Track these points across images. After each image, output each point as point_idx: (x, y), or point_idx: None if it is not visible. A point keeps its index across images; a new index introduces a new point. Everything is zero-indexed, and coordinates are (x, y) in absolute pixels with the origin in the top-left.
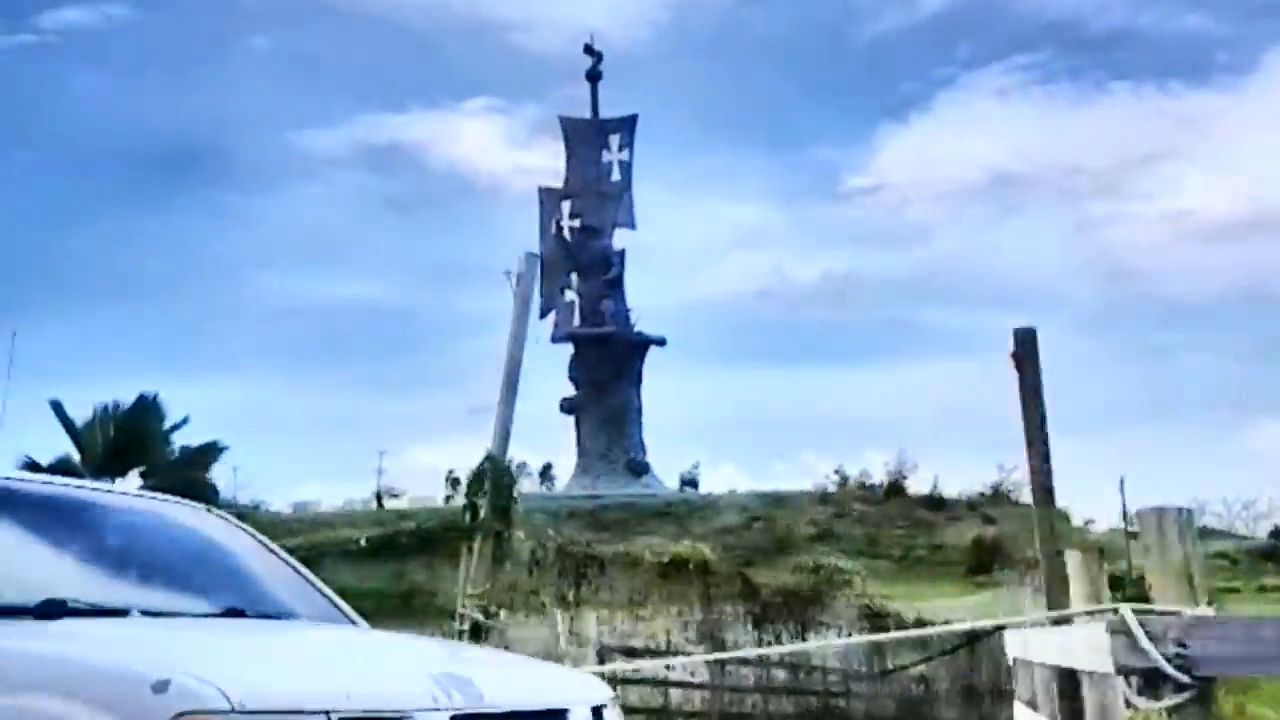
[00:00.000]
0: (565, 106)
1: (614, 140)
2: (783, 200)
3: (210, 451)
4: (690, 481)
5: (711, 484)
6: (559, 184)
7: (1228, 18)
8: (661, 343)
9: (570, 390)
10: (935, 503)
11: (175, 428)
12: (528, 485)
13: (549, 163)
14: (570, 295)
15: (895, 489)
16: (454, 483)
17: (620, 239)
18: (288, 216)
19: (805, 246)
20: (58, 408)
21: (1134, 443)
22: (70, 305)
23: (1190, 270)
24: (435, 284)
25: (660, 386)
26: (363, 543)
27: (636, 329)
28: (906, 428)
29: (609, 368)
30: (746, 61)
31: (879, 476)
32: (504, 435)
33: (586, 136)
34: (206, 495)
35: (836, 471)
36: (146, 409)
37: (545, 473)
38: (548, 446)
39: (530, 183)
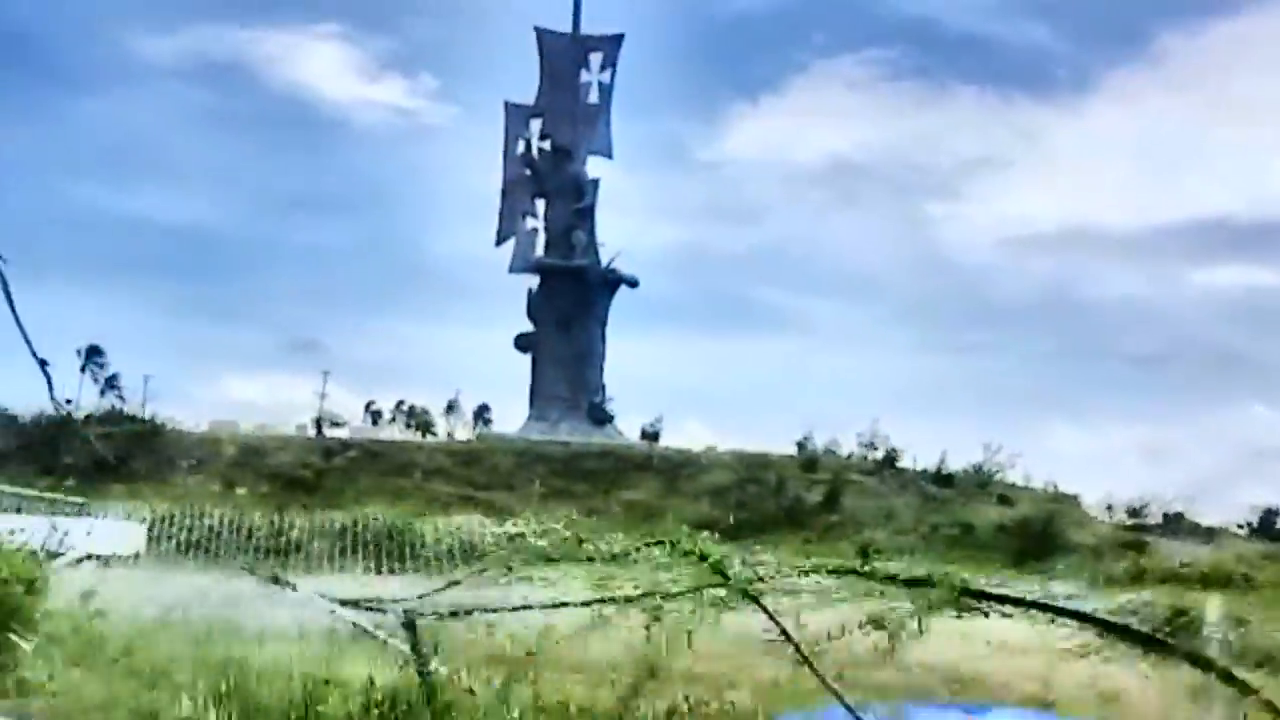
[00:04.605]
0: (416, 43)
1: (594, 59)
2: (631, 167)
3: None
4: (652, 435)
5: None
6: (528, 101)
7: (1072, 37)
8: (634, 284)
9: (526, 326)
10: (943, 479)
11: None
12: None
13: (398, 99)
14: (533, 222)
15: (890, 461)
16: (375, 415)
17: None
18: (111, 123)
19: (650, 215)
20: None
21: (927, 433)
22: None
23: (1006, 274)
24: (263, 211)
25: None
26: None
27: (610, 265)
28: (724, 400)
29: (577, 304)
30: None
31: (848, 446)
32: None
33: (565, 52)
34: None
35: (805, 439)
36: None
37: (480, 414)
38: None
39: (377, 117)
